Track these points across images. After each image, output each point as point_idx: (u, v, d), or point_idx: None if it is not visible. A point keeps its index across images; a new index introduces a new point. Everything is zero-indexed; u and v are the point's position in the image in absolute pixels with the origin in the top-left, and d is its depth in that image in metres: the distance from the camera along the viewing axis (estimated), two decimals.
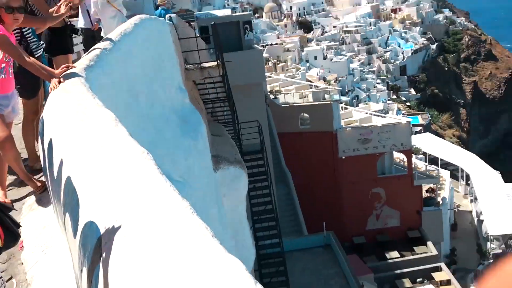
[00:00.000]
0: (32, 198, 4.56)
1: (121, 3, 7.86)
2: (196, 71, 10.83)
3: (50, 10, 4.80)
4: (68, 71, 3.84)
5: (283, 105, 30.00)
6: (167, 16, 12.20)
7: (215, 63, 11.20)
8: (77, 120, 2.82)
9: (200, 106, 11.29)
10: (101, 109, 2.92)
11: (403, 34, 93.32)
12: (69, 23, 6.19)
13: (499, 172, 40.34)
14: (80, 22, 7.67)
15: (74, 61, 5.14)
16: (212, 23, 11.99)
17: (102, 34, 7.31)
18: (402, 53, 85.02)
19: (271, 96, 31.31)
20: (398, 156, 32.81)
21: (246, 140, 15.02)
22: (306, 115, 29.90)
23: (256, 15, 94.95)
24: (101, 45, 4.98)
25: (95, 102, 3.07)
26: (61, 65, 4.07)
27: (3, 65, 4.25)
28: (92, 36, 7.56)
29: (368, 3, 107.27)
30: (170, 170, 4.49)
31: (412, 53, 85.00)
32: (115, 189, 1.85)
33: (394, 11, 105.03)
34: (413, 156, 33.48)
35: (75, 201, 2.17)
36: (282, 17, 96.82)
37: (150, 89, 5.79)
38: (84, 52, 7.70)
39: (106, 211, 1.76)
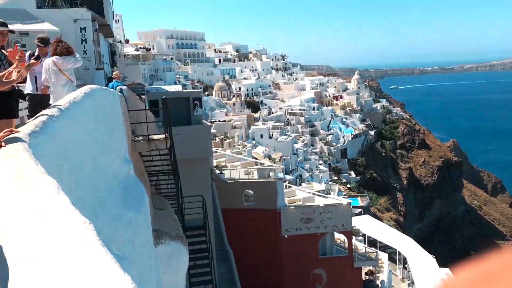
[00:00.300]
0: None
1: (72, 72, 7.89)
2: (143, 143, 10.77)
3: (0, 74, 4.73)
4: (10, 136, 3.73)
5: (228, 181, 30.04)
6: (118, 87, 12.30)
7: (163, 135, 11.22)
8: (16, 187, 2.71)
9: (144, 178, 11.10)
10: (43, 176, 2.82)
11: (344, 120, 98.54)
12: (17, 88, 6.09)
13: (434, 256, 41.55)
14: (27, 88, 7.56)
15: (17, 126, 5.00)
16: (163, 97, 12.17)
17: (51, 101, 7.23)
18: (343, 137, 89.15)
19: (217, 171, 31.35)
20: (339, 237, 33.19)
21: (189, 215, 14.74)
22: (250, 191, 30.00)
23: (206, 92, 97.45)
24: (48, 111, 4.91)
25: (37, 169, 2.97)
26: (4, 130, 3.95)
27: None
28: (38, 102, 7.44)
29: (312, 89, 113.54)
30: (109, 242, 4.31)
31: (352, 138, 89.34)
32: (54, 261, 1.76)
33: (336, 98, 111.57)
34: (353, 237, 34.00)
35: (4, 273, 2.04)
36: (231, 96, 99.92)
37: (95, 158, 5.68)
38: (29, 118, 7.52)
39: (42, 285, 1.66)
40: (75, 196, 4.33)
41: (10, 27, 7.39)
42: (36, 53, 7.54)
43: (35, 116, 4.72)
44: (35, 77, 7.59)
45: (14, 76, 4.69)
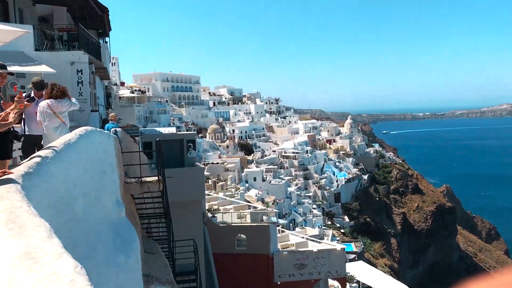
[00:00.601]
0: None
1: (66, 114, 7.93)
2: (136, 185, 10.71)
3: None
4: (4, 177, 3.71)
5: (220, 224, 29.68)
6: (112, 129, 12.36)
7: (156, 178, 11.18)
8: (6, 229, 2.67)
9: (136, 221, 10.96)
10: (35, 219, 2.80)
11: (337, 163, 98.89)
12: (12, 129, 6.11)
13: None
14: (22, 129, 7.57)
15: (10, 167, 4.98)
16: (157, 139, 12.22)
17: (43, 143, 7.23)
18: (337, 181, 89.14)
19: (209, 215, 31.03)
20: (333, 283, 32.53)
21: (180, 260, 14.46)
22: (243, 236, 29.59)
23: (200, 135, 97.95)
24: (42, 153, 4.91)
25: (29, 211, 2.94)
26: None
27: None
28: (32, 144, 7.44)
29: (305, 132, 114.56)
30: (99, 287, 4.21)
31: (345, 182, 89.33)
32: None
33: (329, 141, 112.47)
34: (347, 284, 33.33)
35: None
36: (225, 139, 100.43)
37: (88, 200, 5.63)
38: (21, 159, 7.50)
39: None
40: (67, 239, 4.26)
41: (8, 69, 7.49)
42: (32, 95, 7.61)
43: (29, 158, 4.71)
44: (23, 119, 7.59)
45: (11, 118, 4.72)
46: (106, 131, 10.06)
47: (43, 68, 15.32)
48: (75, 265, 2.10)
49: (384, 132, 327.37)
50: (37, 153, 5.01)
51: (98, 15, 23.59)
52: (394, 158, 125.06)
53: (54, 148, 5.24)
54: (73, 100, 8.12)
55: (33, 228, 2.61)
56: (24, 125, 7.48)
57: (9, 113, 4.70)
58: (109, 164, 8.08)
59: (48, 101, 7.55)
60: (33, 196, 3.37)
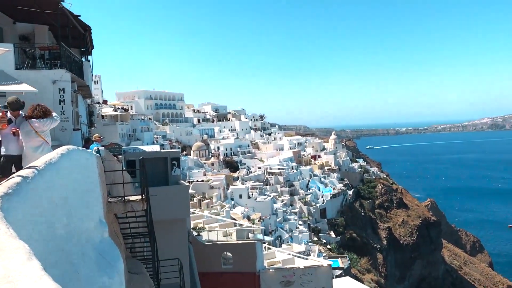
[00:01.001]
0: None
1: (48, 133, 7.83)
2: (119, 204, 10.56)
3: None
4: None
5: (206, 243, 29.38)
6: (94, 148, 12.22)
7: (139, 197, 11.04)
8: None
9: (119, 241, 10.78)
10: (14, 241, 2.73)
11: (322, 179, 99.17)
12: None
13: None
14: (1, 149, 7.42)
15: None
16: (141, 157, 12.12)
17: (23, 163, 7.11)
18: (322, 197, 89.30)
19: (194, 233, 30.72)
20: None
21: (165, 279, 14.24)
22: (229, 254, 29.32)
23: (184, 152, 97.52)
24: (23, 173, 4.82)
25: (8, 233, 2.87)
26: None
27: None
28: (10, 164, 7.29)
29: (290, 148, 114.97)
30: None
31: (331, 197, 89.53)
32: None
33: (314, 157, 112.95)
34: None
35: None
36: (210, 156, 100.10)
37: (70, 221, 5.53)
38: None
39: None
40: (48, 260, 4.16)
41: None
42: (9, 116, 7.44)
43: (9, 178, 4.62)
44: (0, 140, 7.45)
45: None
46: (88, 150, 9.94)
47: (24, 87, 15.15)
48: (56, 287, 2.04)
49: (368, 147, 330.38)
50: (17, 173, 4.92)
51: (81, 34, 23.53)
52: (378, 173, 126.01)
53: (35, 167, 5.15)
54: (54, 115, 8.02)
55: (12, 251, 2.54)
56: (0, 145, 7.32)
57: None
58: (92, 183, 7.97)
59: (29, 120, 7.46)
60: (12, 218, 3.30)
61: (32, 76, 17.22)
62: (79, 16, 21.05)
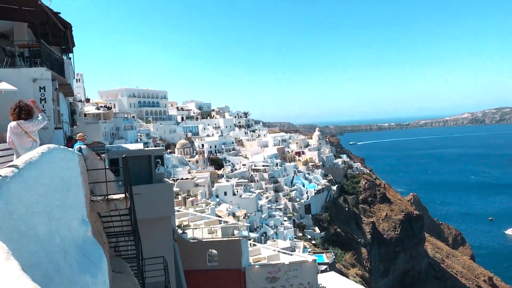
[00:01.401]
0: None
1: (36, 133, 7.87)
2: (102, 203, 10.46)
3: None
4: None
5: (191, 240, 29.31)
6: (76, 147, 12.08)
7: (123, 195, 10.96)
8: None
9: (103, 240, 10.69)
10: None
11: (307, 175, 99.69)
12: None
13: None
14: None
15: None
16: (124, 155, 12.02)
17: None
18: (307, 193, 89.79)
19: (179, 231, 30.62)
20: None
21: (150, 278, 14.16)
22: (214, 251, 29.31)
23: (169, 150, 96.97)
24: (2, 172, 4.75)
25: None
26: None
27: None
28: None
29: (275, 145, 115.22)
30: None
31: (315, 193, 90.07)
32: None
33: (298, 154, 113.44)
34: None
35: None
36: (194, 154, 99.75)
37: (51, 220, 5.46)
38: None
39: None
40: (28, 260, 4.10)
41: None
42: None
43: None
44: None
45: None
46: (70, 149, 9.82)
47: (4, 86, 14.88)
48: (34, 286, 2.02)
49: (351, 143, 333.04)
50: None
51: (61, 31, 23.18)
52: (361, 168, 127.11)
53: (15, 166, 5.08)
54: (40, 117, 8.03)
55: None
56: None
57: None
58: (74, 182, 7.88)
59: (17, 122, 7.49)
60: None
61: (11, 74, 16.91)
62: (59, 13, 20.73)
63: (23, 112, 7.61)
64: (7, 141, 7.76)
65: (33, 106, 8.01)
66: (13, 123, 7.73)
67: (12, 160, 7.23)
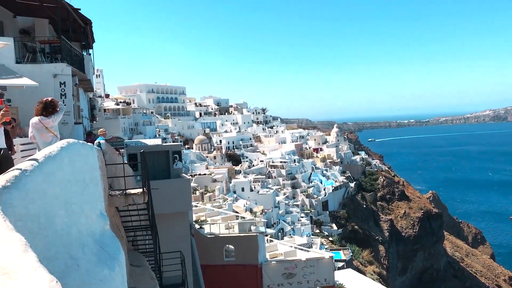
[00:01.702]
0: None
1: (57, 127, 8.00)
2: (121, 197, 10.56)
3: None
4: None
5: (208, 236, 29.46)
6: (96, 141, 12.22)
7: (141, 190, 11.04)
8: None
9: (121, 233, 10.81)
10: (10, 233, 2.72)
11: (324, 172, 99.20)
12: None
13: None
14: None
15: None
16: (141, 151, 12.11)
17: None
18: (324, 189, 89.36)
19: (197, 226, 30.80)
20: None
21: (167, 272, 14.28)
22: (231, 246, 29.41)
23: (187, 146, 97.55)
24: (22, 165, 4.81)
25: (4, 225, 2.86)
26: None
27: None
28: (4, 157, 7.26)
29: (292, 142, 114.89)
30: None
31: (333, 190, 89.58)
32: None
33: (316, 150, 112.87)
34: None
35: None
36: (212, 149, 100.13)
37: (70, 213, 5.53)
38: None
39: None
40: (47, 253, 4.16)
41: None
42: None
43: (8, 170, 4.61)
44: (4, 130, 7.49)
45: None
46: (89, 144, 9.93)
47: (25, 81, 15.13)
48: (51, 279, 2.03)
49: (370, 140, 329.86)
50: (16, 166, 4.92)
51: (81, 27, 23.46)
52: (380, 165, 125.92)
53: (35, 160, 5.14)
54: (59, 108, 8.16)
55: (8, 243, 2.53)
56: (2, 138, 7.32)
57: None
58: (92, 176, 7.96)
59: (39, 117, 7.61)
60: (10, 210, 3.29)
61: (32, 70, 17.19)
62: (80, 9, 20.98)
63: (48, 110, 7.75)
64: (29, 136, 7.93)
65: (57, 102, 8.14)
66: (34, 119, 7.87)
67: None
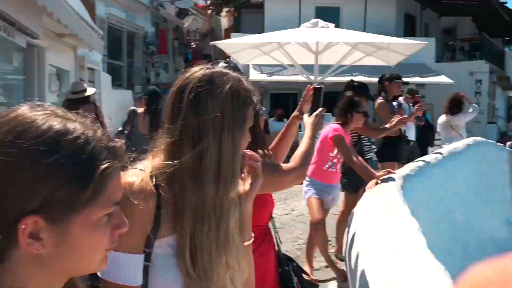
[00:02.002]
0: (334, 284, 4.76)
1: (463, 126, 7.97)
2: None
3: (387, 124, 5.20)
4: (386, 176, 4.05)
5: None
6: (508, 143, 11.36)
7: None
8: (382, 221, 2.93)
9: None
10: (406, 216, 2.95)
11: None
12: (404, 132, 6.53)
13: None
14: (411, 135, 7.70)
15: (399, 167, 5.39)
16: None
17: None
18: None
19: None
20: None
21: None
22: None
23: None
24: (427, 158, 5.09)
25: (403, 209, 3.12)
26: (386, 170, 4.32)
27: (335, 160, 4.86)
28: (414, 148, 7.58)
29: None
30: None
31: None
32: None
33: None
34: None
35: None
36: None
37: (469, 214, 5.43)
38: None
39: None
40: (438, 245, 4.27)
41: (409, 79, 8.25)
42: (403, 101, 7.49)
43: (413, 161, 4.97)
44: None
45: (400, 124, 5.12)
46: (499, 144, 9.34)
47: (441, 79, 15.70)
48: (438, 265, 2.11)
49: None
50: (421, 158, 5.23)
51: (505, 22, 22.12)
52: None
53: (439, 154, 5.31)
54: (470, 109, 8.03)
55: (403, 224, 2.77)
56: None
57: (398, 120, 5.08)
58: (500, 181, 7.47)
59: (447, 116, 7.78)
60: (409, 196, 3.55)
61: (450, 68, 17.60)
62: (506, 3, 19.82)
63: (448, 106, 7.76)
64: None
65: (464, 98, 7.96)
66: (442, 117, 7.98)
67: None
